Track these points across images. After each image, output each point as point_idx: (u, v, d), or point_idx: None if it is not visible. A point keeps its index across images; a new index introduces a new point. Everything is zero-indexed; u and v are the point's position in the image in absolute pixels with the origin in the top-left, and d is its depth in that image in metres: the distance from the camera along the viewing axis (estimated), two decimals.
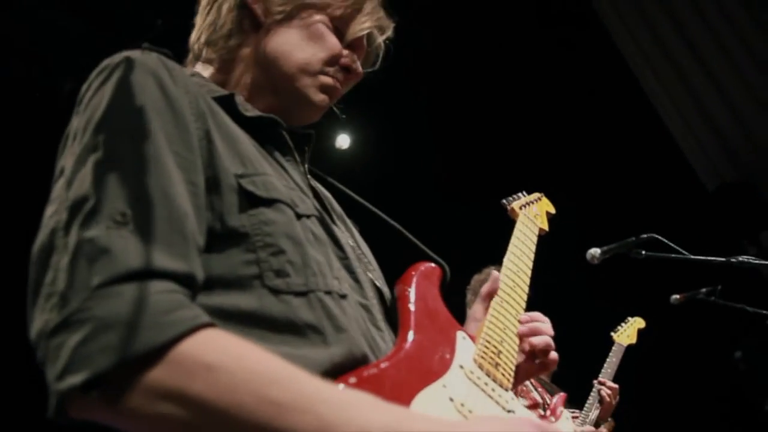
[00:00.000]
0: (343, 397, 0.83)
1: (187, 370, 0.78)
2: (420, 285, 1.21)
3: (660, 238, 2.61)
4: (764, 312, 3.21)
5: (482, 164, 5.86)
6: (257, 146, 1.13)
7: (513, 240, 1.48)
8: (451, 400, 1.03)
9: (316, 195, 1.19)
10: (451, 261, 1.29)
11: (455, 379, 1.07)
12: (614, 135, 5.81)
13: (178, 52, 1.21)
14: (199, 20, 1.32)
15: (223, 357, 0.80)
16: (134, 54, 1.02)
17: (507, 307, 1.31)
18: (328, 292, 1.02)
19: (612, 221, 4.28)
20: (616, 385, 3.62)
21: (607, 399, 3.53)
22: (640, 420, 4.11)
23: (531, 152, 5.89)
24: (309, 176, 1.27)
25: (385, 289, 1.22)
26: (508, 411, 1.12)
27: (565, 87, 5.80)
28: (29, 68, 4.25)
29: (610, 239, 2.75)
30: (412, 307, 1.15)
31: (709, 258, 2.54)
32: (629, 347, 3.89)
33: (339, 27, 1.29)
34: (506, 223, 1.59)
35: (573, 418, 3.31)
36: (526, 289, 1.39)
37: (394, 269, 1.26)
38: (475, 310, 1.40)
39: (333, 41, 1.27)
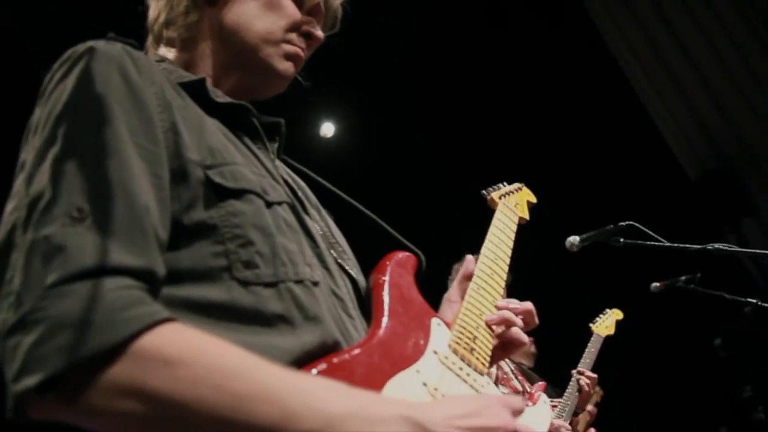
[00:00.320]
0: (305, 386, 0.83)
1: (144, 366, 0.77)
2: (394, 273, 1.21)
3: (638, 225, 2.62)
4: (742, 299, 3.25)
5: (466, 153, 5.88)
6: (227, 132, 1.12)
7: (491, 228, 1.48)
8: (425, 384, 1.03)
9: (288, 184, 1.19)
10: (434, 250, 1.29)
11: (429, 365, 1.08)
12: (597, 122, 5.83)
13: None
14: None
15: (182, 351, 0.79)
16: (98, 44, 1.00)
17: (483, 293, 1.31)
18: (299, 281, 1.01)
19: (594, 209, 4.30)
20: (594, 375, 3.67)
21: (586, 388, 3.58)
22: (621, 408, 4.15)
23: (515, 141, 5.91)
24: (282, 165, 1.26)
25: (360, 278, 1.22)
26: None
27: (548, 75, 5.81)
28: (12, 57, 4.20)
29: (592, 227, 2.76)
30: (385, 294, 1.15)
31: (685, 245, 2.56)
32: (607, 338, 3.93)
33: None
34: (488, 213, 1.59)
35: (552, 407, 3.34)
36: (504, 276, 1.39)
37: (370, 259, 1.26)
38: (450, 293, 1.40)
39: (292, 8, 1.26)
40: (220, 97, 1.17)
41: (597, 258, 3.73)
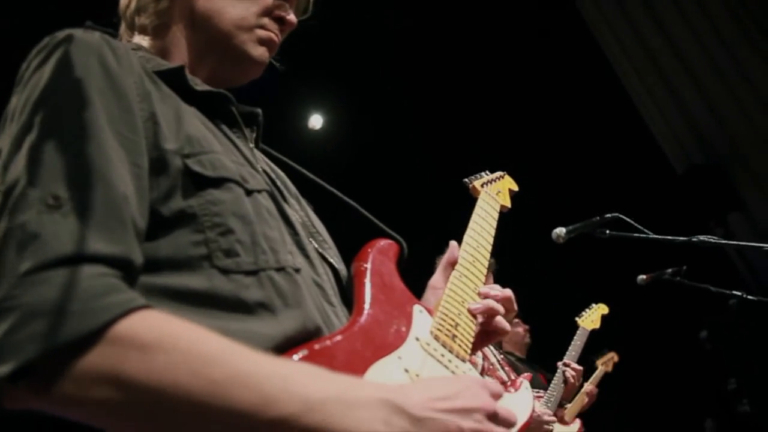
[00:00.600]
0: (284, 371, 0.83)
1: (120, 353, 0.76)
2: (376, 261, 1.21)
3: (624, 217, 2.63)
4: (728, 292, 3.27)
5: (454, 145, 5.88)
6: (205, 121, 1.11)
7: (473, 216, 1.49)
8: (406, 371, 1.04)
9: (267, 173, 1.18)
10: (420, 238, 1.29)
11: (411, 351, 1.08)
12: (584, 115, 5.85)
13: None
14: None
15: (158, 337, 0.78)
16: (76, 32, 0.99)
17: (465, 281, 1.32)
18: (280, 269, 1.01)
19: (581, 201, 4.32)
20: (580, 367, 3.71)
21: (571, 380, 3.61)
22: (606, 400, 4.17)
23: (502, 133, 5.92)
24: (261, 155, 1.26)
25: (341, 267, 1.22)
26: None
27: (537, 69, 5.82)
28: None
29: (578, 219, 2.77)
30: (367, 282, 1.15)
31: (671, 237, 2.57)
32: (593, 331, 4.01)
33: None
34: (473, 202, 1.60)
35: (537, 398, 3.36)
36: (486, 263, 1.40)
37: (352, 247, 1.26)
38: (434, 279, 1.41)
39: None
40: (199, 85, 1.16)
41: (583, 250, 3.74)
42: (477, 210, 1.52)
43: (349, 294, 1.17)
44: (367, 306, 1.10)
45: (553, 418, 3.23)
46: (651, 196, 5.37)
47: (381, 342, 1.06)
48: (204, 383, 0.76)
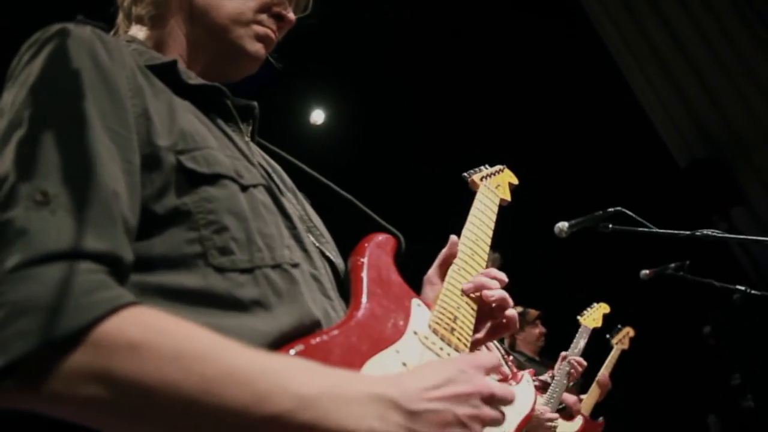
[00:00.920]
0: (277, 366, 0.81)
1: (109, 350, 0.75)
2: (373, 255, 1.20)
3: (626, 211, 2.62)
4: (732, 287, 3.26)
5: (457, 139, 5.87)
6: (199, 115, 1.10)
7: (472, 210, 1.48)
8: (404, 365, 1.03)
9: (263, 167, 1.17)
10: (420, 233, 1.28)
11: (409, 345, 1.07)
12: (587, 109, 5.84)
13: None
14: None
15: (148, 334, 0.77)
16: (67, 26, 0.98)
17: (464, 274, 1.31)
18: (276, 266, 1.00)
19: (583, 196, 4.31)
20: (584, 363, 3.72)
21: (574, 373, 3.61)
22: (610, 396, 4.18)
23: (505, 127, 5.91)
24: (257, 149, 1.25)
25: (339, 261, 1.21)
26: None
27: (538, 62, 5.81)
28: None
29: (581, 213, 2.76)
30: (364, 276, 1.14)
31: (674, 231, 2.55)
32: (595, 328, 4.05)
33: None
34: (473, 196, 1.59)
35: (539, 392, 3.35)
36: (485, 257, 1.39)
37: (350, 241, 1.25)
38: (429, 274, 1.40)
39: None
40: (193, 78, 1.15)
41: (585, 244, 3.73)
42: (476, 203, 1.51)
43: (346, 288, 1.16)
44: (364, 300, 1.09)
45: (556, 415, 3.22)
46: (654, 189, 5.36)
47: (378, 336, 1.05)
48: (195, 380, 0.75)
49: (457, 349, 1.15)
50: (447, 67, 5.80)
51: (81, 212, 0.81)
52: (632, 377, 4.31)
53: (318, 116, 6.25)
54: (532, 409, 1.30)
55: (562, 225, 2.69)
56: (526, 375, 1.38)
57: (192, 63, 1.22)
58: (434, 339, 1.13)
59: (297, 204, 1.22)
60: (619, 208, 2.65)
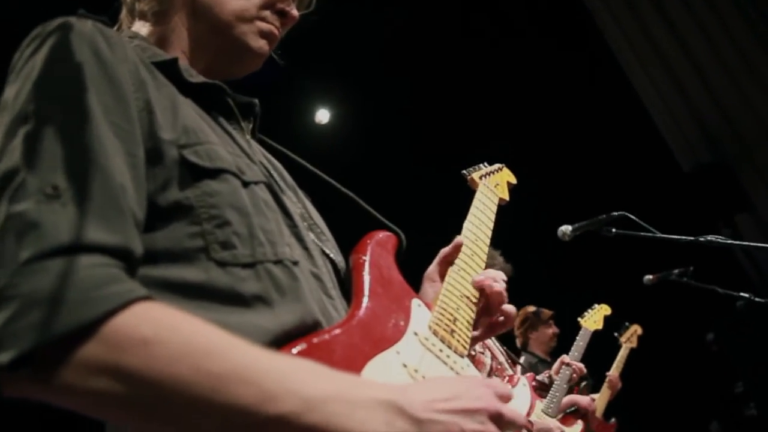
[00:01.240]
0: (284, 367, 0.81)
1: (120, 344, 0.76)
2: (374, 253, 1.19)
3: (630, 216, 2.61)
4: (735, 293, 3.24)
5: (461, 139, 5.86)
6: (201, 113, 1.10)
7: (472, 209, 1.48)
8: (405, 366, 1.02)
9: (263, 164, 1.17)
10: (424, 231, 1.27)
11: (409, 346, 1.07)
12: (592, 113, 5.83)
13: None
14: None
15: (159, 329, 0.78)
16: (68, 20, 0.98)
17: (464, 275, 1.31)
18: (278, 261, 1.00)
19: (587, 200, 4.30)
20: (584, 369, 3.70)
21: (574, 376, 3.60)
22: (612, 402, 4.16)
23: (509, 130, 5.90)
24: (258, 146, 1.25)
25: (339, 259, 1.21)
26: None
27: (543, 65, 5.80)
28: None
29: (585, 217, 2.75)
30: (365, 275, 1.13)
31: (677, 237, 2.54)
32: (596, 331, 4.00)
33: None
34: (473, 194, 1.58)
35: (539, 397, 3.33)
36: (484, 256, 1.39)
37: (351, 238, 1.25)
38: (431, 270, 1.40)
39: None
40: (194, 76, 1.15)
41: (589, 248, 3.72)
42: (475, 202, 1.51)
43: (347, 286, 1.15)
44: (365, 299, 1.09)
45: (562, 427, 3.19)
46: (658, 194, 5.34)
47: (379, 336, 1.04)
48: (205, 378, 0.76)
49: (456, 351, 1.15)
50: (452, 67, 5.81)
51: (91, 206, 0.82)
52: (635, 384, 4.29)
53: (323, 115, 6.27)
54: (528, 414, 1.29)
55: (566, 228, 2.68)
56: (523, 378, 1.37)
57: (195, 60, 1.22)
58: (434, 340, 1.12)
59: (297, 202, 1.22)
60: (623, 212, 2.64)
